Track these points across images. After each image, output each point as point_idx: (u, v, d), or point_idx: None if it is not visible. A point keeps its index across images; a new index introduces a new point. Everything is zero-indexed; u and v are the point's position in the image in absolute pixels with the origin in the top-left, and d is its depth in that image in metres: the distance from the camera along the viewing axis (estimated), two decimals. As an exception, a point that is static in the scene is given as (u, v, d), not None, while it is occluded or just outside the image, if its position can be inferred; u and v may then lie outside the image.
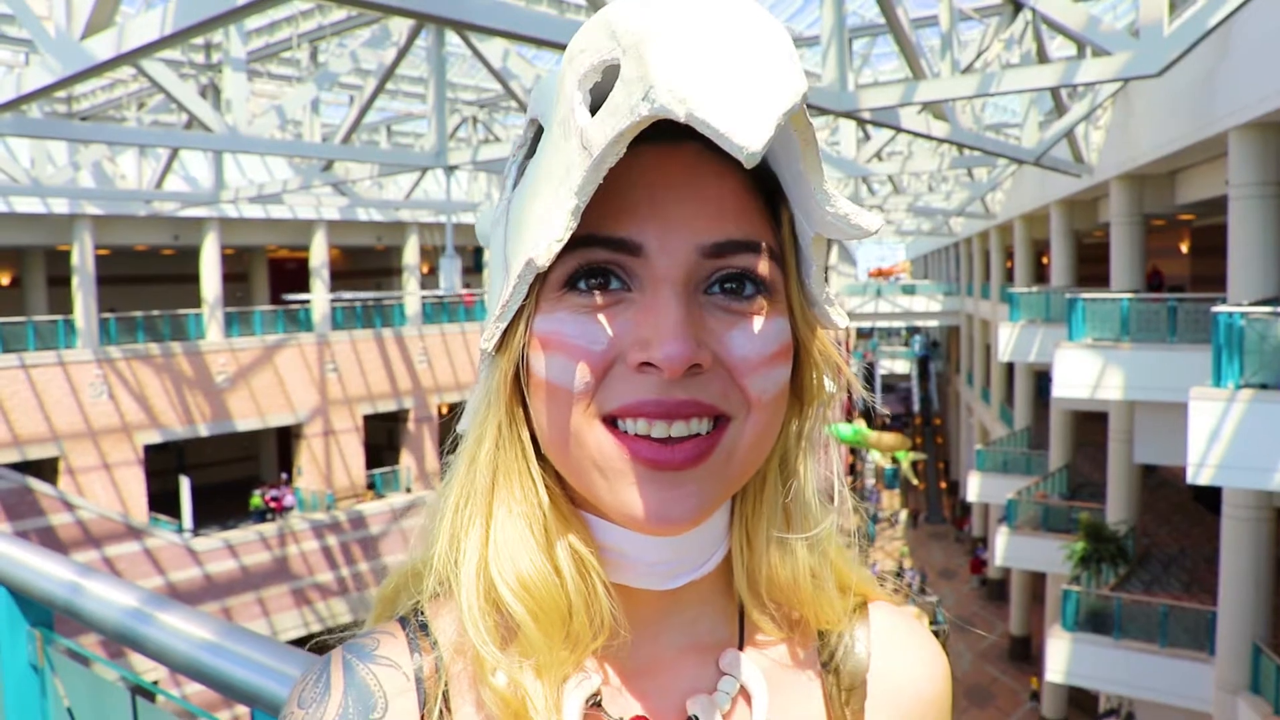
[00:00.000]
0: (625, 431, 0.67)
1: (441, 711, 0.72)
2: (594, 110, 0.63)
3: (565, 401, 0.68)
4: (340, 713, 0.71)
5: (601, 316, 0.67)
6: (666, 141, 0.68)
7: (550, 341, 0.68)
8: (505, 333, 0.72)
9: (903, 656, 0.84)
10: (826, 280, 0.76)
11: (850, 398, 0.83)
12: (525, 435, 0.73)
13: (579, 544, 0.72)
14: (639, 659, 0.76)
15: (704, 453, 0.67)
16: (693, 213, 0.67)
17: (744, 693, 0.77)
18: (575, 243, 0.66)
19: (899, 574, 28.34)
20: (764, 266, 0.70)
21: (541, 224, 0.66)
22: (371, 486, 28.04)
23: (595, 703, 0.73)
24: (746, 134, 0.57)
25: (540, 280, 0.70)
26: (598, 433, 0.67)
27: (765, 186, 0.73)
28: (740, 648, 0.79)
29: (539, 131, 0.74)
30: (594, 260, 0.67)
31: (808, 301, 0.75)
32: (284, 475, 27.63)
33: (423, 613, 0.78)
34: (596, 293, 0.68)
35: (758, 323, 0.69)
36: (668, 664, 0.77)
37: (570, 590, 0.70)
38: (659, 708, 0.75)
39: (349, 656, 0.74)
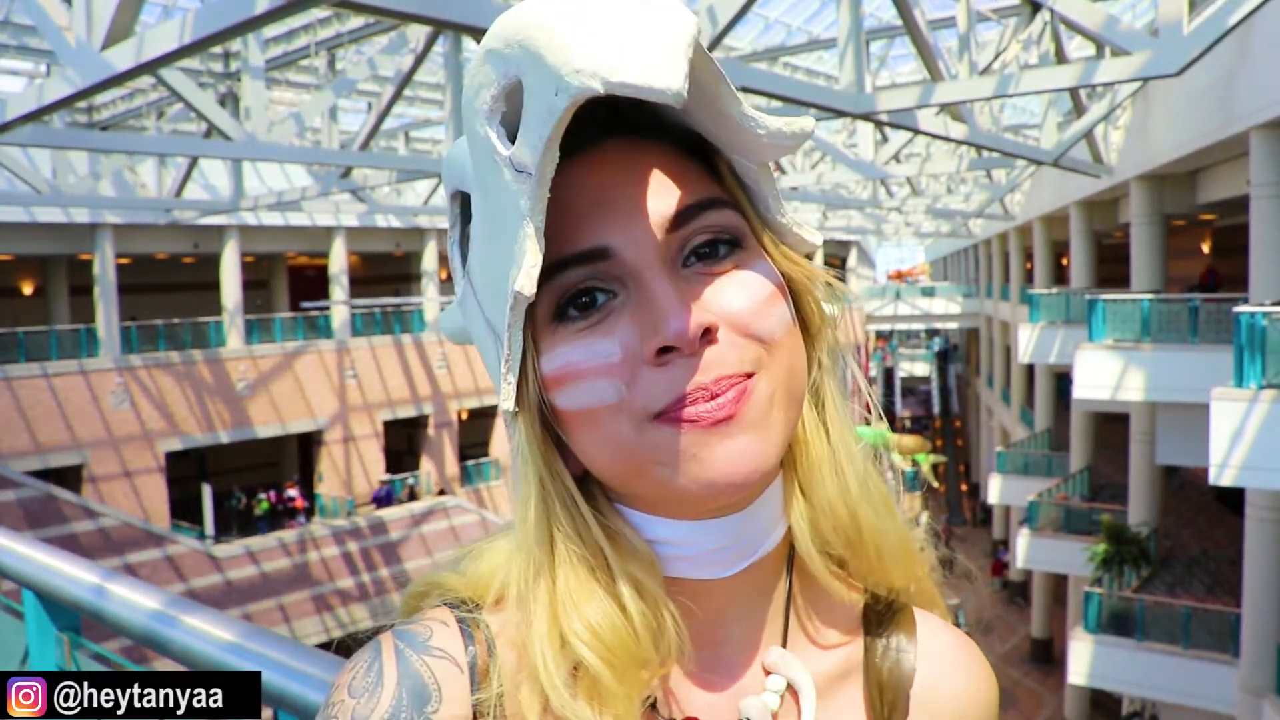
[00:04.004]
0: (675, 415, 0.66)
1: (497, 708, 0.72)
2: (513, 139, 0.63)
3: (607, 418, 0.67)
4: (394, 705, 0.69)
5: (601, 332, 0.67)
6: (586, 150, 0.68)
7: (565, 375, 0.68)
8: (519, 387, 0.71)
9: (951, 676, 0.83)
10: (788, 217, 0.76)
11: (869, 402, 0.82)
12: (568, 478, 0.73)
13: (641, 574, 0.71)
14: (693, 657, 0.75)
15: (744, 394, 0.67)
16: (640, 196, 0.67)
17: (791, 690, 0.77)
18: (547, 273, 0.66)
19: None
20: (726, 220, 0.70)
21: (508, 267, 0.66)
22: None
23: (649, 704, 0.73)
24: (664, 77, 0.57)
25: (530, 322, 0.69)
26: (649, 433, 0.67)
27: (690, 145, 0.73)
28: (784, 644, 0.79)
29: (465, 201, 0.75)
30: (572, 282, 0.67)
31: (777, 234, 0.75)
32: (296, 478, 28.05)
33: (473, 605, 0.77)
34: (586, 311, 0.68)
35: (742, 275, 0.69)
36: (721, 662, 0.77)
37: (638, 626, 0.69)
38: (711, 707, 0.75)
39: (401, 645, 0.73)
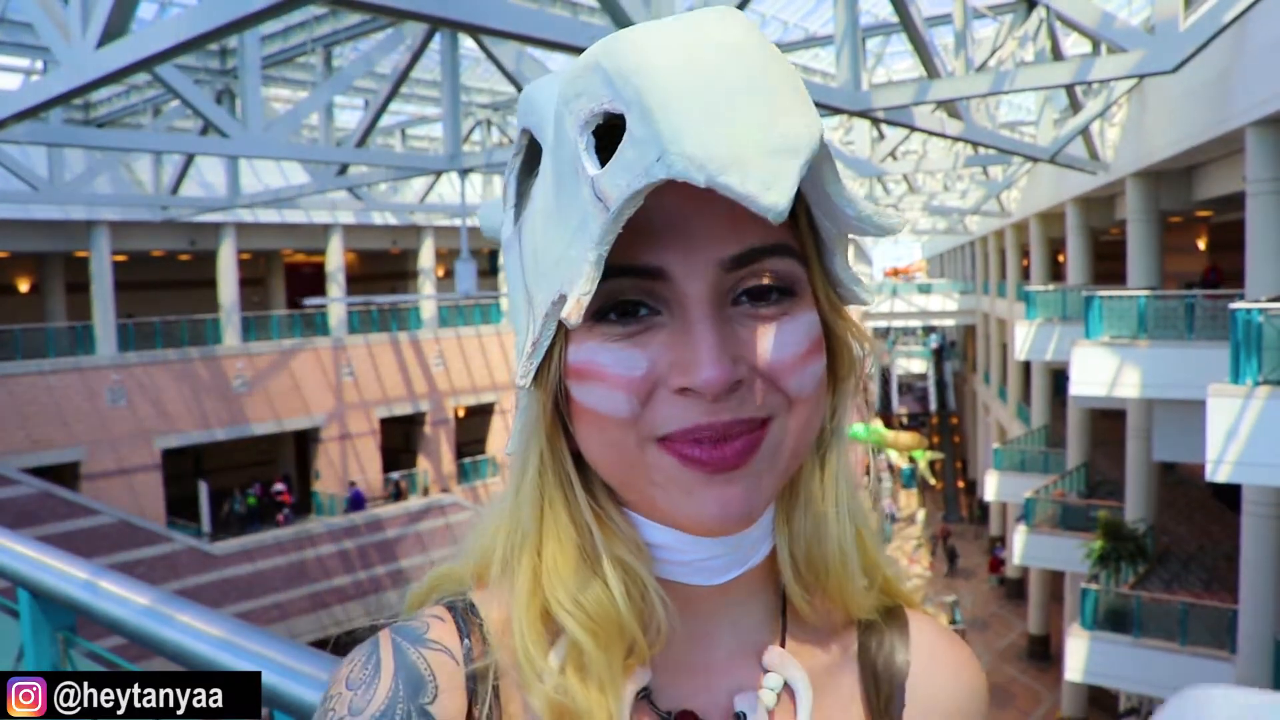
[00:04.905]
0: (677, 445, 0.67)
1: (491, 700, 0.73)
2: (599, 145, 0.63)
3: (613, 427, 0.68)
4: (390, 695, 0.71)
5: (635, 343, 0.67)
6: None
7: (588, 372, 0.68)
8: (539, 366, 0.73)
9: (943, 671, 0.84)
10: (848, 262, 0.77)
11: (867, 398, 0.83)
12: (568, 460, 0.74)
13: (630, 558, 0.73)
14: (687, 655, 0.77)
15: (753, 447, 0.67)
16: (710, 228, 0.66)
17: (788, 690, 0.78)
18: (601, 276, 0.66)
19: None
20: (786, 267, 0.69)
21: (561, 267, 0.66)
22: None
23: (645, 696, 0.75)
24: (770, 195, 0.56)
25: None
26: (650, 453, 0.68)
27: None
28: (782, 644, 0.80)
29: (532, 140, 0.74)
30: (620, 291, 0.67)
31: (833, 285, 0.75)
32: (284, 473, 28.37)
33: (470, 599, 0.79)
34: (626, 320, 0.68)
35: (787, 324, 0.69)
36: (715, 660, 0.78)
37: (622, 607, 0.71)
38: (706, 703, 0.77)
39: (398, 639, 0.75)
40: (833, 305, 0.75)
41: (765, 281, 0.68)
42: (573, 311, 0.63)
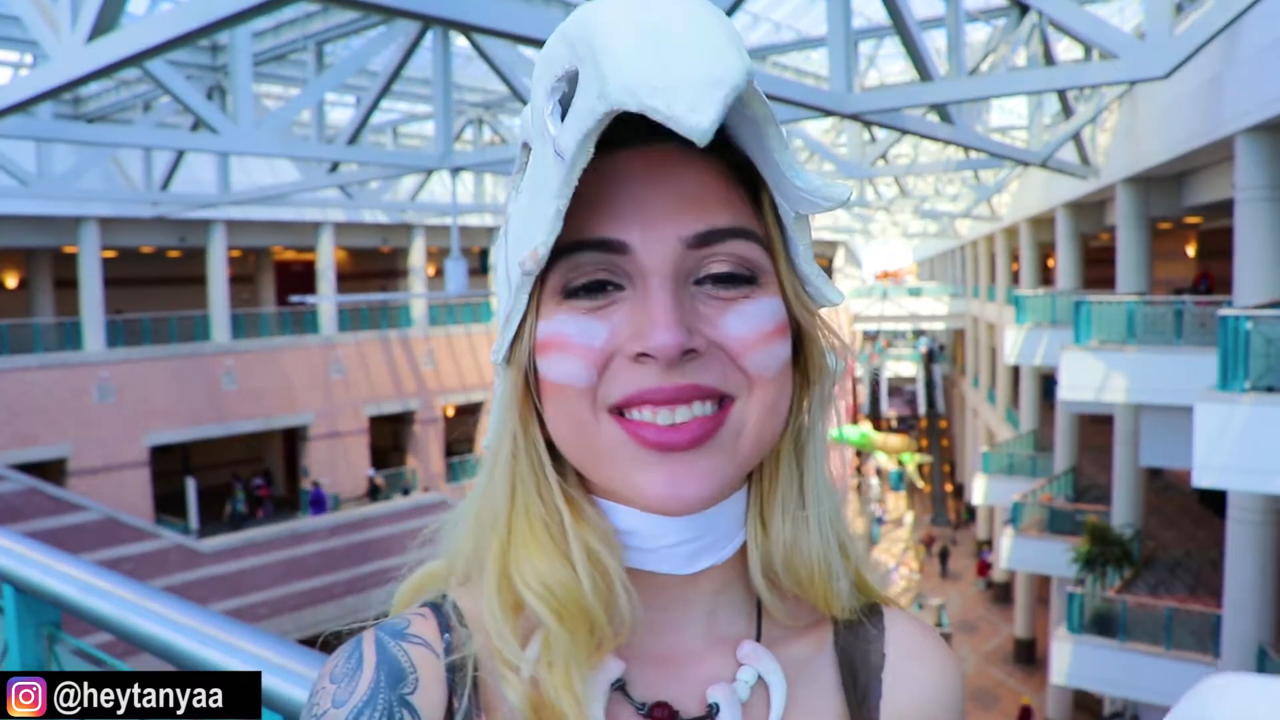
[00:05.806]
0: (631, 419, 0.70)
1: (470, 692, 0.75)
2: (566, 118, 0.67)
3: (572, 398, 0.71)
4: (371, 686, 0.72)
5: (599, 316, 0.70)
6: (646, 143, 0.71)
7: (552, 343, 0.71)
8: (513, 344, 0.76)
9: (918, 664, 0.85)
10: (829, 271, 0.78)
11: (856, 401, 0.84)
12: (540, 441, 0.76)
13: (596, 544, 0.74)
14: (661, 647, 0.79)
15: (710, 431, 0.70)
16: (674, 206, 0.70)
17: (762, 683, 0.79)
18: (566, 250, 0.69)
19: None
20: (750, 251, 0.72)
21: (530, 232, 0.69)
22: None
23: (619, 687, 0.76)
24: (695, 116, 0.59)
25: (539, 289, 0.73)
26: (605, 424, 0.70)
27: (746, 176, 0.75)
28: (758, 639, 0.81)
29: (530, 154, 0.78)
30: (584, 264, 0.70)
31: (800, 281, 0.77)
32: (264, 469, 28.67)
33: (452, 597, 0.80)
34: (592, 295, 0.71)
35: (750, 305, 0.71)
36: (688, 653, 0.79)
37: (588, 590, 0.72)
38: (680, 695, 0.78)
39: (380, 635, 0.76)
40: (802, 302, 0.77)
41: (728, 268, 0.71)
42: (528, 259, 0.67)
